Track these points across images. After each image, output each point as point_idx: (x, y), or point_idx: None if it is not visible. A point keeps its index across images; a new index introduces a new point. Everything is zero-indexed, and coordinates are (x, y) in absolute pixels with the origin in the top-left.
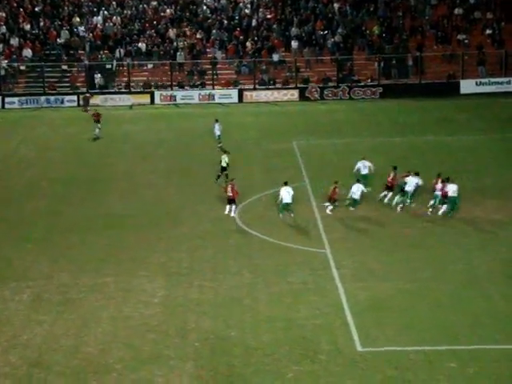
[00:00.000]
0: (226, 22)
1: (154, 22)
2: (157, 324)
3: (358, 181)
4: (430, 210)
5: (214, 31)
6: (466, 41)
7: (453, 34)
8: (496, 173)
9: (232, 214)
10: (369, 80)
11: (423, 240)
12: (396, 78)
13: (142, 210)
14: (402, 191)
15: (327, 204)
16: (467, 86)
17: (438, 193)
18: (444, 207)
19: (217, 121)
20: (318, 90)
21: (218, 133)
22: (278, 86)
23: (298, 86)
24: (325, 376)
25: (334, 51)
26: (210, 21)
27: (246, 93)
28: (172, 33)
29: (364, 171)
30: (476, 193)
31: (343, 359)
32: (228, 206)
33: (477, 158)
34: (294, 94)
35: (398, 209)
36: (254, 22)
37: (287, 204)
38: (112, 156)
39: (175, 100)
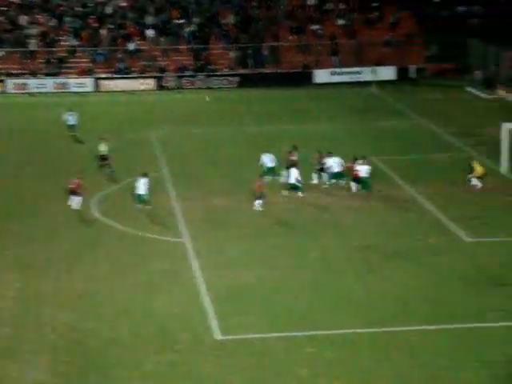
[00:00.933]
0: (79, 9)
1: (4, 8)
2: (11, 317)
3: (292, 166)
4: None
5: (66, 18)
6: (320, 31)
7: (307, 25)
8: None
9: (74, 206)
10: (226, 69)
11: (279, 228)
12: (253, 68)
13: None
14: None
15: (258, 202)
16: (321, 75)
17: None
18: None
19: (70, 110)
20: (176, 79)
21: (71, 122)
22: (134, 74)
23: (155, 75)
24: (184, 365)
25: (190, 40)
26: (62, 8)
27: (101, 82)
28: (23, 20)
29: (270, 164)
30: None
31: (203, 348)
32: (73, 198)
33: (333, 146)
34: (150, 84)
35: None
36: (108, 10)
37: (141, 195)
38: None
39: (28, 89)
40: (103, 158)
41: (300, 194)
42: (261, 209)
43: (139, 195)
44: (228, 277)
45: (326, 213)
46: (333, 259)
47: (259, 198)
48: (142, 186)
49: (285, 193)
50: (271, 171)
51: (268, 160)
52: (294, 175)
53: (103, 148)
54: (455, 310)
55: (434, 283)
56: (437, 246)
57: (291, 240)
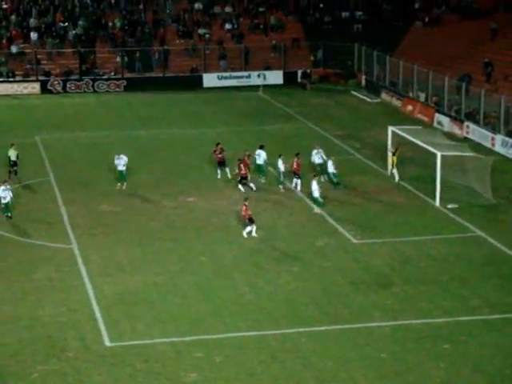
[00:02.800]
0: None
1: None
2: None
3: (315, 176)
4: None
5: None
6: (207, 35)
7: (194, 29)
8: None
9: None
10: (112, 73)
11: (168, 233)
12: (140, 72)
13: None
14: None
15: (248, 229)
16: (210, 79)
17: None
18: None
19: None
20: (61, 82)
21: None
22: (18, 78)
23: (40, 78)
24: (72, 373)
25: (75, 43)
26: None
27: None
28: None
29: (120, 167)
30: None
31: (91, 355)
32: None
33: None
34: (35, 87)
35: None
36: None
37: (6, 204)
38: None
39: None
40: (13, 163)
41: (317, 210)
42: (253, 235)
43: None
44: (117, 283)
45: (215, 216)
46: (222, 263)
47: (250, 223)
48: (6, 194)
49: (316, 210)
50: (120, 174)
51: (120, 162)
52: (314, 187)
53: (12, 153)
54: (343, 310)
55: (322, 285)
56: (324, 248)
57: (180, 244)
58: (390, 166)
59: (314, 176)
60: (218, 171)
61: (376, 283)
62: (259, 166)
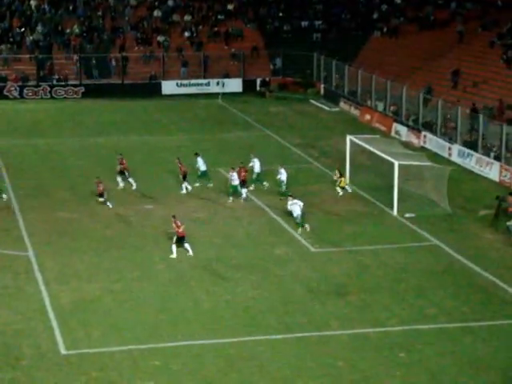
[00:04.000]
0: None
1: None
2: None
3: (290, 196)
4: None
5: None
6: (166, 43)
7: (153, 36)
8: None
9: None
10: (70, 79)
11: (125, 240)
12: (98, 78)
13: None
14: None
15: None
16: (169, 86)
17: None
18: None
19: None
20: (18, 88)
21: None
22: None
23: None
24: (27, 382)
25: (32, 49)
26: None
27: None
28: None
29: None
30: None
31: (47, 363)
32: None
33: (179, 157)
34: None
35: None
36: None
37: None
38: None
39: None
40: None
41: (307, 227)
42: (189, 253)
43: None
44: (73, 290)
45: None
46: (179, 271)
47: (178, 241)
48: None
49: (305, 228)
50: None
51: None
52: (298, 209)
53: None
54: (301, 319)
55: (280, 293)
56: (283, 257)
57: (138, 252)
58: (341, 187)
59: (288, 197)
60: (183, 186)
61: (334, 292)
62: (204, 171)
